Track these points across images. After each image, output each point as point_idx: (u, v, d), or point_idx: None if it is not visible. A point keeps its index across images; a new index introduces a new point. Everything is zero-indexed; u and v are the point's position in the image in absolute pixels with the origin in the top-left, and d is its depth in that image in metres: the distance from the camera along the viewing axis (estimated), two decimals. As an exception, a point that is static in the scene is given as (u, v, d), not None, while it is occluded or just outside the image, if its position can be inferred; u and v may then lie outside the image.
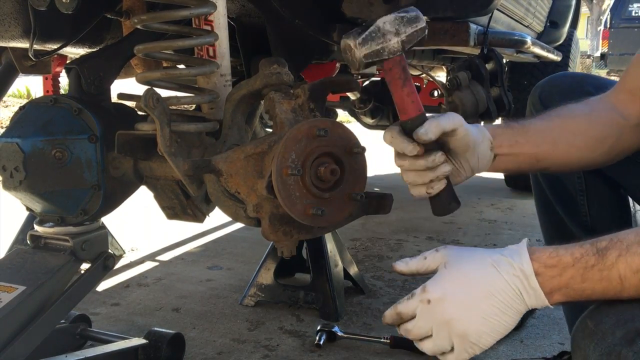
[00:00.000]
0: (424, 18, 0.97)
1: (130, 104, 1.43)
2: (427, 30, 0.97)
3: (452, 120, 1.01)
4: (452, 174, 1.06)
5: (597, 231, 0.84)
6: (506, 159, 1.11)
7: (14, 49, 1.66)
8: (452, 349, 0.85)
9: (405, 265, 0.91)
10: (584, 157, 1.14)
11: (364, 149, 1.14)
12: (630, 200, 1.44)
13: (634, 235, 0.77)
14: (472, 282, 0.82)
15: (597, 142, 1.13)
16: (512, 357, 1.72)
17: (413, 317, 0.86)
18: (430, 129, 0.98)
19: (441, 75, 4.11)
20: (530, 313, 1.95)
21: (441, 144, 1.03)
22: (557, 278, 0.78)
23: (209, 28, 1.31)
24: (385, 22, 0.94)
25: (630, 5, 12.27)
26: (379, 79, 3.47)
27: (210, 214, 1.41)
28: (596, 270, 0.77)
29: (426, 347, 0.87)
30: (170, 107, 1.20)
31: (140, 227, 3.08)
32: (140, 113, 1.39)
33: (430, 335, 0.85)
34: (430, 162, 1.00)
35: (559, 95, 1.36)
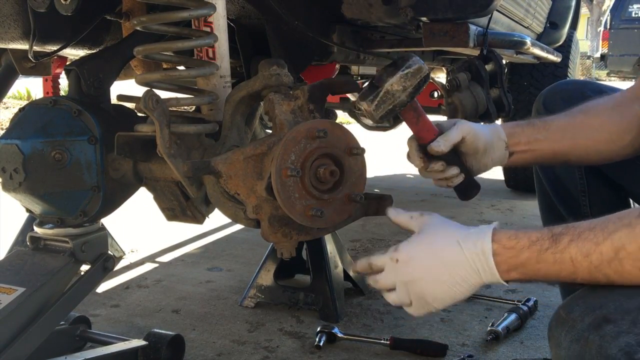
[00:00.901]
0: (425, 66, 1.08)
1: (130, 105, 1.43)
2: (430, 74, 1.10)
3: (460, 131, 1.14)
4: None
5: None
6: (524, 155, 1.21)
7: (14, 51, 1.66)
8: (411, 304, 0.96)
9: (395, 214, 1.03)
10: (604, 150, 1.20)
11: (363, 150, 1.14)
12: (631, 201, 1.44)
13: (588, 224, 0.83)
14: (437, 253, 0.91)
15: (618, 136, 1.19)
16: (513, 358, 1.72)
17: (381, 271, 0.97)
18: (442, 144, 1.13)
19: (441, 76, 4.11)
20: (530, 314, 1.95)
21: (454, 149, 1.17)
22: (513, 259, 0.85)
23: (208, 29, 1.31)
24: (393, 84, 1.06)
25: (630, 6, 12.26)
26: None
27: (210, 216, 1.41)
28: (549, 253, 0.82)
29: (390, 298, 0.97)
30: (169, 109, 1.20)
31: (140, 229, 3.08)
32: (139, 114, 1.40)
33: (394, 289, 0.96)
34: (449, 174, 1.17)
35: (562, 100, 1.40)
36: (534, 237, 0.84)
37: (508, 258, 0.85)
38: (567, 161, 1.24)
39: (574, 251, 0.81)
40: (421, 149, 1.17)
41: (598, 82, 1.51)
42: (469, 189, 1.23)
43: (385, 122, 1.09)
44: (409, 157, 1.19)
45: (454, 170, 1.17)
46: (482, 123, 1.89)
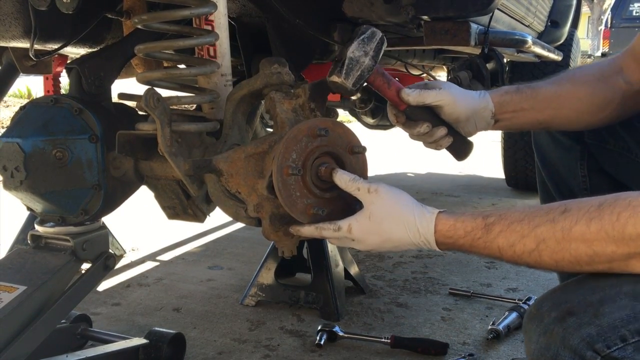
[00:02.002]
0: (377, 30, 1.15)
1: (131, 103, 1.43)
2: (385, 38, 1.15)
3: (436, 97, 1.18)
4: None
5: None
6: (508, 122, 1.27)
7: (14, 49, 1.66)
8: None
9: (342, 182, 1.05)
10: (585, 119, 1.27)
11: (364, 149, 1.14)
12: None
13: (518, 214, 0.91)
14: (387, 236, 1.02)
15: (601, 107, 1.25)
16: (513, 357, 1.72)
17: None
18: (412, 95, 1.17)
19: (442, 75, 4.10)
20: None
21: (437, 113, 1.21)
22: (450, 245, 0.98)
23: (209, 28, 1.31)
24: (353, 51, 1.12)
25: (631, 5, 12.25)
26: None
27: (211, 214, 1.41)
28: (481, 241, 0.94)
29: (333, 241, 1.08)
30: (170, 107, 1.20)
31: (141, 227, 3.08)
32: (140, 113, 1.39)
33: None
34: (436, 136, 1.22)
35: None
36: (469, 228, 0.95)
37: (446, 245, 0.99)
38: (548, 128, 1.34)
39: (501, 241, 0.91)
40: (404, 115, 1.21)
41: None
42: (461, 148, 1.26)
43: (358, 91, 1.15)
44: (413, 132, 1.22)
45: (441, 132, 1.21)
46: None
